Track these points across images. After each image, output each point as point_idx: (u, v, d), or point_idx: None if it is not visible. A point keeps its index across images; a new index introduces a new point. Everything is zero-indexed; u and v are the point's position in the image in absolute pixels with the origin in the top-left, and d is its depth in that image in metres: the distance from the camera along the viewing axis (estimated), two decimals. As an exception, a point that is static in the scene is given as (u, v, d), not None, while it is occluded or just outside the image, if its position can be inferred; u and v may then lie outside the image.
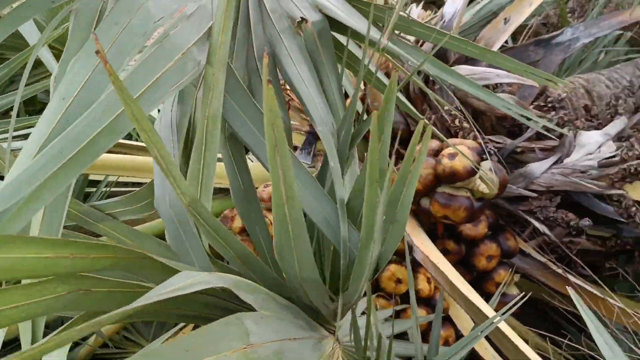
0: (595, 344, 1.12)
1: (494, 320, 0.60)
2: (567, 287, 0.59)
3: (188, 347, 0.29)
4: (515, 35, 1.64)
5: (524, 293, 0.82)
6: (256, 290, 0.38)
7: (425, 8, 1.85)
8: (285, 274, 0.40)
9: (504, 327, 0.65)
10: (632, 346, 0.95)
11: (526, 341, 1.16)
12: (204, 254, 0.41)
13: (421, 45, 1.03)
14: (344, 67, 0.59)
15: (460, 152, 0.81)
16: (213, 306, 0.38)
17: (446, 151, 0.86)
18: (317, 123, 0.48)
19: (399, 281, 0.91)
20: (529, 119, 0.87)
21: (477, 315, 0.76)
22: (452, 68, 1.02)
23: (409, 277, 0.66)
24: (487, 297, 1.03)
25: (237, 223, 0.98)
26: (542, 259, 1.06)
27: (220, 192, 1.09)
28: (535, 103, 1.08)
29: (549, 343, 1.13)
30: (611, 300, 0.93)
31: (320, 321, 0.57)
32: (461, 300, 0.76)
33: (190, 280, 0.33)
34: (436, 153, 0.90)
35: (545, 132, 0.90)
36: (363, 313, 0.87)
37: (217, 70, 0.40)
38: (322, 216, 0.42)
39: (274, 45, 0.55)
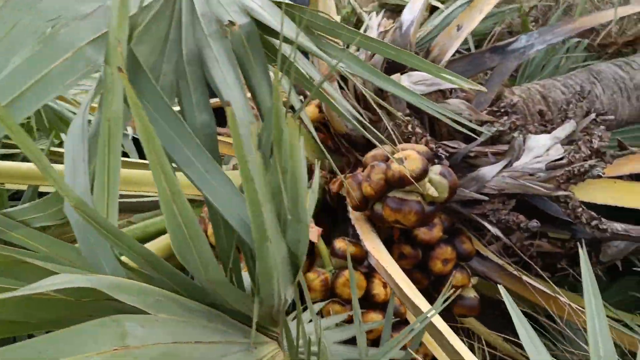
0: (554, 344, 1.13)
1: (428, 315, 0.60)
2: (499, 286, 0.60)
3: (43, 349, 0.28)
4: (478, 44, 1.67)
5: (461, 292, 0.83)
6: (146, 293, 0.38)
7: (389, 17, 1.88)
8: (194, 276, 0.40)
9: (442, 327, 0.66)
10: (582, 343, 0.97)
11: (488, 343, 1.18)
12: (112, 258, 0.42)
13: (372, 56, 1.05)
14: (281, 70, 0.60)
15: (404, 158, 0.82)
16: (103, 313, 0.38)
17: (395, 156, 0.88)
18: (239, 122, 0.49)
19: (353, 286, 0.92)
20: (467, 125, 0.88)
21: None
22: (405, 74, 1.04)
23: (351, 281, 0.67)
24: (445, 301, 1.04)
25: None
26: (500, 262, 1.08)
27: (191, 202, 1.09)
28: (489, 108, 1.09)
29: (511, 345, 1.14)
30: (562, 299, 0.95)
31: (262, 327, 0.57)
32: (409, 304, 0.76)
33: (53, 281, 0.33)
34: (388, 158, 0.91)
35: (484, 133, 0.91)
36: (318, 316, 0.88)
37: (116, 70, 0.41)
38: (237, 217, 0.43)
39: (201, 49, 0.56)
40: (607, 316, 1.10)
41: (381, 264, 0.83)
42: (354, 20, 1.91)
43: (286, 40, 0.59)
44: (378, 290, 0.92)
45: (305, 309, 0.90)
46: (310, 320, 0.83)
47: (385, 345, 0.60)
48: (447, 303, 0.63)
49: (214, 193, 0.46)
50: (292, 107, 1.25)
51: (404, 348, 0.92)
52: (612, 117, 1.23)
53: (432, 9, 1.74)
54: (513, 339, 1.07)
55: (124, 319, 0.34)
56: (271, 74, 0.82)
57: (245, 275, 0.59)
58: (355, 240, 0.95)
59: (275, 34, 0.59)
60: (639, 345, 0.93)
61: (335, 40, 0.64)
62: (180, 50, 0.60)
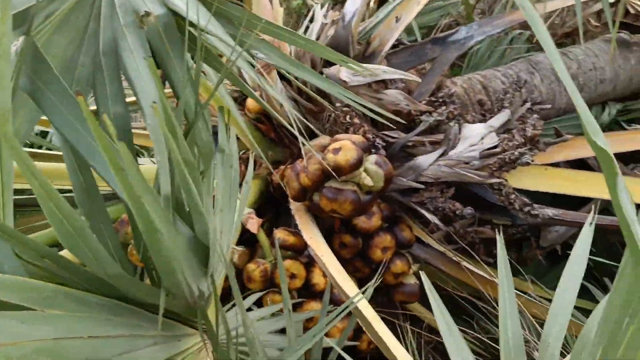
0: (493, 327, 1.16)
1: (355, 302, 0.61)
2: (420, 272, 0.61)
3: None
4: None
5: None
6: (37, 289, 0.37)
7: (340, 9, 1.89)
8: (94, 271, 0.40)
9: (368, 313, 0.67)
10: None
11: (433, 328, 1.21)
12: (11, 256, 0.41)
13: (301, 56, 1.06)
14: (202, 61, 0.60)
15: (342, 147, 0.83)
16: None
17: (331, 146, 0.88)
18: (147, 117, 0.48)
19: (293, 276, 0.92)
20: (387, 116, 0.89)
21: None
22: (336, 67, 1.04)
23: (280, 270, 0.67)
24: (385, 288, 1.06)
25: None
26: (441, 249, 1.10)
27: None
28: (429, 98, 1.11)
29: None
30: (497, 281, 0.97)
31: (185, 319, 0.57)
32: (340, 292, 0.77)
33: None
34: (324, 149, 0.92)
35: (423, 122, 0.93)
36: (254, 307, 0.88)
37: (1, 61, 0.40)
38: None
39: (117, 40, 0.56)
40: (545, 298, 1.15)
41: (317, 252, 0.84)
42: (305, 12, 1.91)
43: (192, 24, 0.59)
44: (318, 279, 0.93)
45: (244, 299, 0.90)
46: (249, 309, 0.83)
47: (311, 330, 0.60)
48: (370, 287, 0.64)
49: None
50: (238, 100, 1.25)
51: (340, 335, 0.94)
52: (549, 105, 1.27)
53: (381, 2, 1.76)
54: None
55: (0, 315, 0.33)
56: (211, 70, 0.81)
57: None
58: (296, 230, 0.95)
59: (194, 24, 0.59)
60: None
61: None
62: (99, 42, 0.59)
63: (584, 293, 1.38)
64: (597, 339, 0.34)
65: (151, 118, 0.47)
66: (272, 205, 1.15)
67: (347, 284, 0.75)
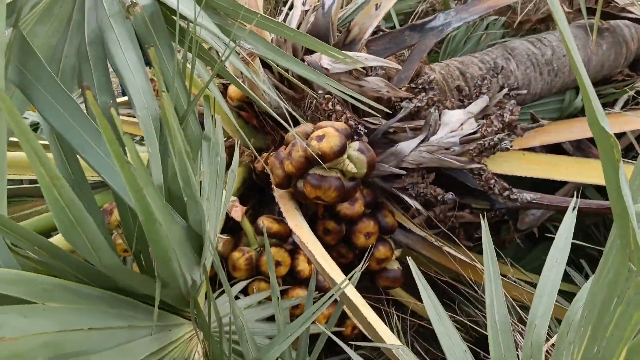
0: (474, 310, 1.19)
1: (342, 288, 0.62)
2: (407, 258, 0.63)
3: None
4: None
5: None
6: (35, 282, 0.37)
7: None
8: (90, 262, 0.40)
9: (356, 299, 0.68)
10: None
11: (415, 312, 1.23)
12: (5, 249, 0.41)
13: (282, 43, 1.05)
14: (189, 52, 0.59)
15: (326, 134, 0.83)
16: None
17: (315, 134, 0.89)
18: (137, 108, 0.48)
19: (278, 264, 0.93)
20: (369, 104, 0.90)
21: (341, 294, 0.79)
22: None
23: (267, 258, 0.67)
24: (369, 273, 1.08)
25: (116, 216, 0.97)
26: (423, 234, 1.12)
27: (103, 185, 1.07)
28: (408, 85, 1.12)
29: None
30: (479, 266, 1.00)
31: (178, 309, 0.57)
32: (328, 280, 0.78)
33: None
34: (308, 136, 0.92)
35: (404, 109, 0.93)
36: (240, 295, 0.88)
37: None
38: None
39: (103, 31, 0.55)
40: (524, 281, 1.18)
41: (302, 240, 0.84)
42: (283, -2, 1.89)
43: (185, 18, 0.58)
44: (303, 266, 0.94)
45: (231, 287, 0.90)
46: (236, 297, 0.83)
47: (300, 318, 0.61)
48: (359, 273, 0.65)
49: (115, 177, 0.45)
50: (219, 89, 1.24)
51: (326, 322, 0.95)
52: (525, 91, 1.29)
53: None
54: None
55: (1, 310, 0.33)
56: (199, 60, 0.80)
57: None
58: (280, 217, 0.96)
59: (181, 15, 0.59)
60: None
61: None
62: (83, 32, 0.58)
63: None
64: (584, 319, 0.35)
65: (141, 109, 0.47)
66: (254, 193, 1.15)
67: (333, 271, 0.76)
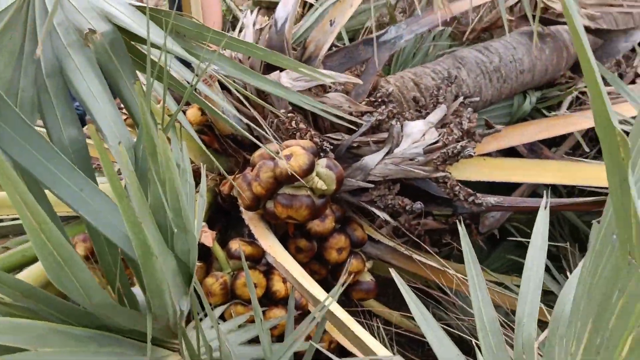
0: (447, 314, 1.21)
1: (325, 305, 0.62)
2: (390, 270, 0.63)
3: None
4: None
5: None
6: (24, 329, 0.36)
7: (265, 14, 1.89)
8: (78, 302, 0.39)
9: (341, 314, 0.68)
10: (470, 310, 1.04)
11: (388, 322, 1.24)
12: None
13: (244, 60, 1.05)
14: (151, 76, 0.58)
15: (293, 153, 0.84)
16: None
17: (282, 153, 0.89)
18: (109, 139, 0.47)
19: (254, 286, 0.92)
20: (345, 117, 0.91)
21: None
22: (284, 71, 1.05)
23: (247, 281, 0.67)
24: (345, 288, 1.08)
25: (80, 250, 0.93)
26: (392, 244, 1.13)
27: (71, 219, 1.03)
28: (367, 99, 1.14)
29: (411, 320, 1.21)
30: (450, 271, 1.02)
31: (162, 340, 0.56)
32: (308, 297, 0.78)
33: None
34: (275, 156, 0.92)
35: (365, 123, 0.95)
36: (219, 321, 0.87)
37: None
38: (120, 233, 0.41)
39: (61, 61, 0.53)
40: (490, 281, 1.21)
41: (278, 260, 0.84)
42: (230, 18, 1.89)
43: (154, 45, 0.57)
44: (278, 286, 0.93)
45: (206, 314, 0.88)
46: (213, 327, 0.82)
47: (288, 339, 0.61)
48: (342, 289, 0.65)
49: (92, 212, 0.44)
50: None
51: (308, 339, 0.94)
52: (477, 98, 1.33)
53: (307, 6, 1.77)
54: (410, 315, 1.14)
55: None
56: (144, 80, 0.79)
57: (137, 289, 0.57)
58: (251, 239, 0.95)
59: (142, 39, 0.58)
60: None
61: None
62: (39, 63, 0.56)
63: (519, 270, 1.47)
64: (580, 313, 0.37)
65: (113, 139, 0.46)
66: (221, 217, 1.14)
67: (313, 288, 0.76)
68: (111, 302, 0.39)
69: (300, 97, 0.73)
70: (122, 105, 0.66)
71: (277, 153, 0.92)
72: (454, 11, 1.43)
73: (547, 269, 1.22)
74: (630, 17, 1.67)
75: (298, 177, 0.86)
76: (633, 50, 1.54)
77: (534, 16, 1.38)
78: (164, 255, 0.38)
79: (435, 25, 1.40)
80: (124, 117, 0.93)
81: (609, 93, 1.52)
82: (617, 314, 0.32)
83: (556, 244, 1.20)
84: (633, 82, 1.51)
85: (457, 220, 1.33)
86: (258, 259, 0.93)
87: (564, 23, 1.50)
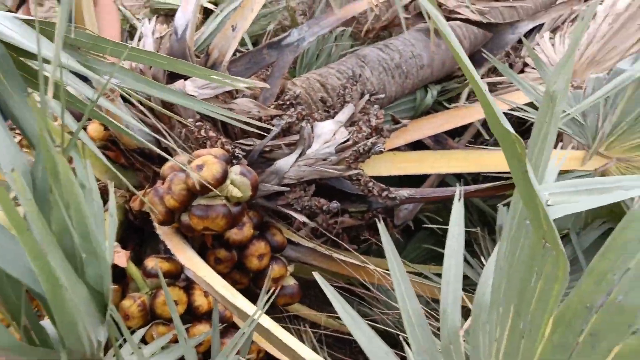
0: (371, 309, 1.23)
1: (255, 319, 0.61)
2: (313, 273, 0.63)
3: None
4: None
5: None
6: None
7: (164, 22, 1.83)
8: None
9: (268, 324, 0.67)
10: (394, 303, 1.07)
11: (315, 323, 1.24)
12: None
13: (146, 70, 1.02)
14: (45, 93, 0.54)
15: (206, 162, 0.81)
16: None
17: (193, 164, 0.86)
18: (2, 164, 0.43)
19: (175, 303, 0.89)
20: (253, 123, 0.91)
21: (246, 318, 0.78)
22: (189, 80, 1.02)
23: (167, 299, 0.64)
24: (270, 294, 1.07)
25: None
26: (311, 245, 1.14)
27: None
28: (276, 102, 1.13)
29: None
30: (370, 267, 1.04)
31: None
32: (232, 309, 0.76)
33: None
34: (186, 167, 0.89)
35: (275, 126, 0.94)
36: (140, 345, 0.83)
37: None
38: (21, 267, 0.38)
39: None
40: (409, 272, 1.24)
41: (198, 274, 0.81)
42: (127, 27, 1.82)
43: (47, 61, 0.53)
44: (200, 301, 0.91)
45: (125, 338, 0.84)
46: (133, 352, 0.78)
47: (222, 353, 0.59)
48: (268, 298, 0.64)
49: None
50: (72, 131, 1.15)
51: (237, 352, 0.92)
52: (382, 95, 1.37)
53: (207, 12, 1.74)
54: (336, 315, 1.15)
55: None
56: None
57: (48, 322, 0.53)
58: (168, 255, 0.91)
59: (33, 55, 0.53)
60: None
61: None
62: None
63: (435, 258, 1.53)
64: (501, 298, 0.38)
65: (6, 165, 0.42)
66: (133, 234, 1.09)
67: (237, 299, 0.74)
68: (17, 343, 0.35)
69: (207, 106, 0.71)
70: (14, 126, 0.61)
71: (189, 163, 0.89)
72: (352, 12, 1.46)
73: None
74: (515, 10, 1.78)
75: (212, 187, 0.84)
76: (520, 41, 1.65)
77: (426, 14, 1.44)
78: (74, 285, 0.35)
79: (336, 25, 1.43)
80: (17, 138, 0.86)
81: (501, 83, 1.62)
82: (536, 297, 0.33)
83: (467, 229, 1.26)
84: (522, 71, 1.62)
85: (373, 216, 1.37)
86: (177, 275, 0.90)
87: (457, 19, 1.58)
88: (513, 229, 0.38)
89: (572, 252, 1.04)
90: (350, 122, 1.14)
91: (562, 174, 1.09)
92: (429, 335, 0.49)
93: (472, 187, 1.07)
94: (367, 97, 1.19)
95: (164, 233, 0.93)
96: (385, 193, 1.03)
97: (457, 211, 0.60)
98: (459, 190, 0.63)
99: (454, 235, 0.57)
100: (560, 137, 1.27)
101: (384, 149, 0.99)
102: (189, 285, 0.91)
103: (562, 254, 0.31)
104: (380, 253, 1.43)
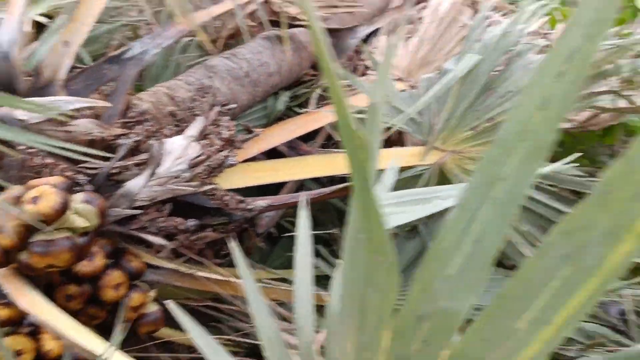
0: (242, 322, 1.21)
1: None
2: (165, 302, 0.61)
3: None
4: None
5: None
6: None
7: None
8: None
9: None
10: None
11: (189, 347, 1.20)
12: None
13: None
14: None
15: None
16: None
17: (27, 196, 0.79)
18: None
19: (19, 353, 0.80)
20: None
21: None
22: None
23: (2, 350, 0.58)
24: (131, 325, 1.01)
25: None
26: (172, 266, 1.10)
27: None
28: (121, 120, 1.08)
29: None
30: (234, 280, 1.03)
31: None
32: (83, 351, 0.71)
33: None
34: (18, 200, 0.81)
35: (122, 146, 0.90)
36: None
37: None
38: None
39: None
40: (273, 279, 1.25)
41: (42, 318, 0.74)
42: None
43: None
44: (50, 345, 0.83)
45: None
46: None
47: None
48: (121, 333, 0.61)
49: None
50: None
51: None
52: (234, 105, 1.36)
53: (40, 26, 1.60)
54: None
55: None
56: None
57: None
58: (6, 301, 0.82)
59: None
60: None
61: None
62: None
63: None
64: (347, 310, 0.40)
65: None
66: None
67: (89, 341, 0.69)
68: None
69: (32, 136, 0.66)
70: None
71: (21, 196, 0.81)
72: (196, 22, 1.43)
73: (321, 255, 1.31)
74: (353, 16, 1.87)
75: (51, 219, 0.77)
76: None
77: (270, 21, 1.46)
78: None
79: (181, 36, 1.39)
80: None
81: (349, 87, 1.69)
82: (376, 312, 0.35)
83: (327, 231, 1.30)
84: (364, 74, 1.70)
85: (235, 228, 1.35)
86: (19, 321, 0.82)
87: (299, 26, 1.62)
88: (351, 239, 0.39)
89: (422, 243, 1.12)
90: (202, 136, 1.12)
91: (405, 170, 1.16)
92: (285, 353, 0.50)
93: (327, 190, 1.10)
94: (217, 108, 1.18)
95: (1, 276, 0.84)
96: (242, 205, 1.02)
97: (303, 217, 0.61)
98: (304, 196, 0.65)
99: (301, 242, 0.58)
100: (404, 135, 1.36)
101: (237, 161, 0.99)
102: (35, 330, 0.83)
103: (394, 264, 0.32)
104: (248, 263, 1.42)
